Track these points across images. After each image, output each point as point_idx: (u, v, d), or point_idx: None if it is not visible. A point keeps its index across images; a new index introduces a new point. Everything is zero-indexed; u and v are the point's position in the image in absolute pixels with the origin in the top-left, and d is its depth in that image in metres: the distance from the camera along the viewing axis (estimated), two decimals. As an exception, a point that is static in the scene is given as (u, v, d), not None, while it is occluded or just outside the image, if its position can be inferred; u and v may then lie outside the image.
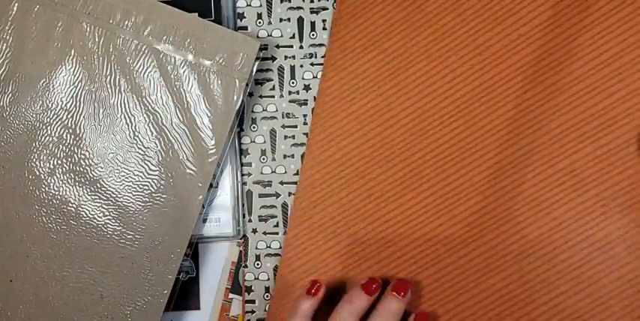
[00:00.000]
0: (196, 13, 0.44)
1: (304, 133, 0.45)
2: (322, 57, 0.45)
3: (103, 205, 0.42)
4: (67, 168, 0.42)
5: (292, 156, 0.45)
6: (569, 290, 0.42)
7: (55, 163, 0.42)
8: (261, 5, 0.46)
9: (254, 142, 0.46)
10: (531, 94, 0.43)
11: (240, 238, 0.45)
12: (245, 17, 0.46)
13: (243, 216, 0.45)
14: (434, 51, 0.43)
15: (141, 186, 0.42)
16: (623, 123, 0.42)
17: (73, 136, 0.42)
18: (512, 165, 0.42)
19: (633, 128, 0.42)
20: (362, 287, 0.40)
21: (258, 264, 0.45)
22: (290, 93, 0.46)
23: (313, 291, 0.41)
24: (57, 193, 0.42)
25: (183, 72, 0.42)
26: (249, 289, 0.45)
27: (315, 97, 0.45)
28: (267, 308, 0.45)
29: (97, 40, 0.42)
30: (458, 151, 0.43)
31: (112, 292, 0.42)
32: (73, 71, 0.42)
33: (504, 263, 0.42)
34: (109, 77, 0.42)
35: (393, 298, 0.40)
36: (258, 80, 0.45)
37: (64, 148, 0.42)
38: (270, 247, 0.45)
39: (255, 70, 0.43)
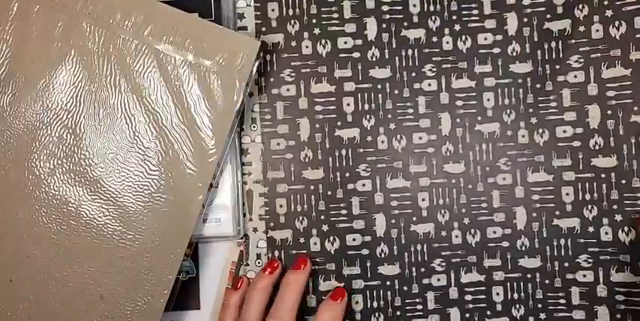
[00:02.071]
0: (196, 13, 0.44)
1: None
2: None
3: (103, 205, 0.42)
4: (67, 168, 0.42)
5: (292, 156, 0.46)
6: None
7: (55, 163, 0.42)
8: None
9: (254, 141, 0.46)
10: None
11: (241, 238, 0.45)
12: (245, 17, 0.46)
13: (244, 215, 0.45)
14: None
15: (141, 186, 0.42)
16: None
17: (73, 136, 0.42)
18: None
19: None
20: (263, 269, 0.44)
21: (259, 262, 0.45)
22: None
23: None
24: (57, 193, 0.42)
25: (184, 72, 0.42)
26: None
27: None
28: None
29: (97, 40, 0.42)
30: None
31: (112, 292, 0.42)
32: (73, 71, 0.42)
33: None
34: (109, 77, 0.42)
35: (294, 271, 0.43)
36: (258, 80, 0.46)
37: (64, 148, 0.42)
38: None
39: (255, 70, 0.43)
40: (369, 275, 0.44)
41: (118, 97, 0.42)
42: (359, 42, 0.44)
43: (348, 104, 0.44)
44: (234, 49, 0.41)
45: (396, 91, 0.44)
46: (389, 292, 0.44)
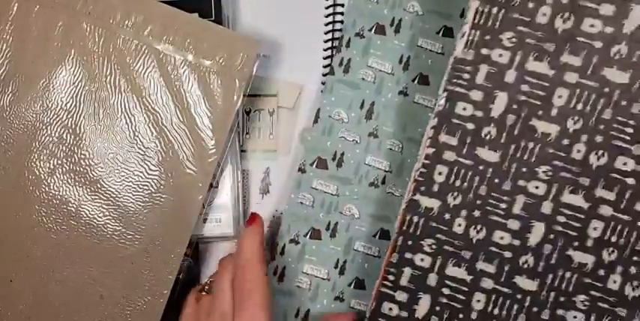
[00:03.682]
0: (196, 13, 0.44)
1: (304, 133, 0.45)
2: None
3: (103, 205, 0.42)
4: (67, 168, 0.42)
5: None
6: None
7: (55, 163, 0.42)
8: (261, 5, 0.45)
9: (254, 142, 0.45)
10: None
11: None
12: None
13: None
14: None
15: (141, 186, 0.42)
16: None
17: (73, 136, 0.42)
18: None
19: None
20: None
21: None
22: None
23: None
24: (57, 193, 0.42)
25: (183, 72, 0.42)
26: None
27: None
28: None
29: (97, 40, 0.42)
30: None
31: (112, 292, 0.42)
32: (73, 71, 0.42)
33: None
34: (109, 77, 0.42)
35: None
36: (258, 80, 0.45)
37: (64, 148, 0.42)
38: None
39: (255, 70, 0.43)
40: (502, 280, 0.39)
41: (118, 97, 0.42)
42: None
43: (560, 96, 0.38)
44: (234, 49, 0.41)
45: (624, 103, 0.37)
46: (515, 307, 0.39)
